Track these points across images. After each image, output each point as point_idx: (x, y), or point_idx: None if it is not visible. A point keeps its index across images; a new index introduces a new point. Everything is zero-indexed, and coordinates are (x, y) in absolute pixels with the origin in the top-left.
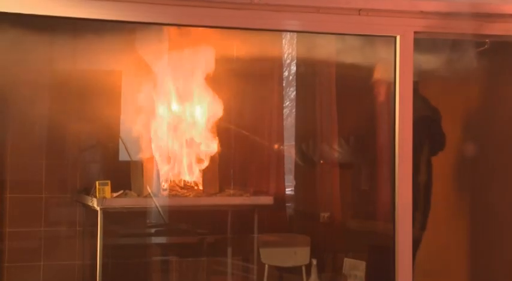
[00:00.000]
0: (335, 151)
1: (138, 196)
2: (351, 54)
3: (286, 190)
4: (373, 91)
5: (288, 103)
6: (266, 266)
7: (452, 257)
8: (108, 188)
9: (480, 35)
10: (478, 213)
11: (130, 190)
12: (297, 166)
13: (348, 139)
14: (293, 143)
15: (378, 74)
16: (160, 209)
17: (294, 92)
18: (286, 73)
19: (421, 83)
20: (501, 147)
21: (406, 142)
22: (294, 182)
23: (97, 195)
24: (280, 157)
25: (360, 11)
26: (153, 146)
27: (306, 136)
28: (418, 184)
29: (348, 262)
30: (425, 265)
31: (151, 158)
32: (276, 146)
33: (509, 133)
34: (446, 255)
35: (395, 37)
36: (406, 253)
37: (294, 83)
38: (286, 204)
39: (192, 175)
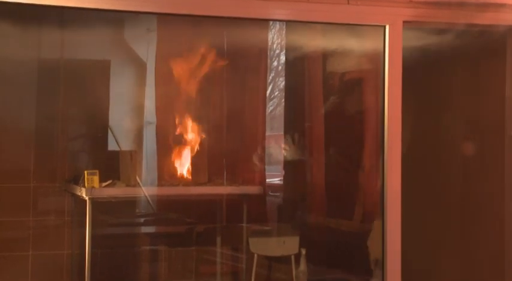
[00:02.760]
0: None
1: (127, 185)
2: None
3: (275, 179)
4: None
5: (277, 93)
6: (255, 255)
7: (440, 253)
8: (96, 178)
9: (469, 24)
10: (465, 208)
11: (119, 179)
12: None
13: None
14: (282, 132)
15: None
16: (149, 198)
17: (283, 82)
18: (275, 63)
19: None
20: (488, 141)
21: (395, 132)
22: (283, 172)
23: (86, 185)
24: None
25: (349, 0)
26: (142, 135)
27: (294, 126)
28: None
29: None
30: (415, 262)
31: (141, 147)
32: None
33: (494, 125)
34: (434, 252)
35: (384, 26)
36: (395, 242)
37: (283, 73)
38: (275, 193)
39: (181, 164)
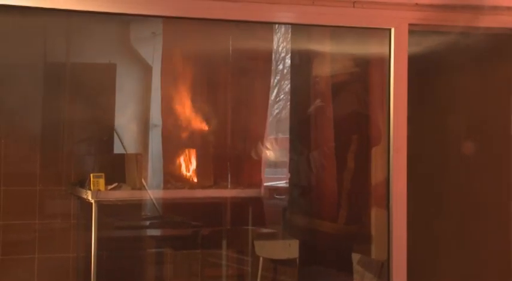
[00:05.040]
0: None
1: (133, 188)
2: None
3: (281, 182)
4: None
5: (282, 96)
6: (261, 258)
7: (444, 254)
8: (102, 181)
9: (475, 27)
10: (466, 208)
11: (124, 182)
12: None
13: None
14: (287, 135)
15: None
16: (154, 201)
17: (289, 85)
18: (280, 66)
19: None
20: (488, 141)
21: (401, 133)
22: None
23: (91, 187)
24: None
25: (354, 3)
26: (148, 138)
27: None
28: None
29: None
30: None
31: (146, 150)
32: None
33: (499, 127)
34: (438, 252)
35: (389, 29)
36: (400, 241)
37: (288, 76)
38: (281, 196)
39: (187, 167)
